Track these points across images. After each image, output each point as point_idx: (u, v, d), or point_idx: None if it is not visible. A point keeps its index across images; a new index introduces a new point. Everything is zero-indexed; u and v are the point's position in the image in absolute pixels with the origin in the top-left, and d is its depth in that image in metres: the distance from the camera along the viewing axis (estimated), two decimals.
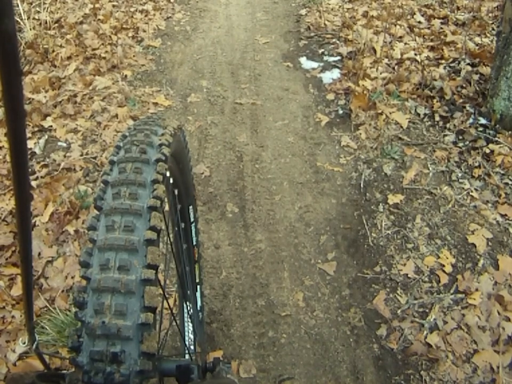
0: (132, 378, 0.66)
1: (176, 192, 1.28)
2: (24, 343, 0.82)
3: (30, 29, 3.55)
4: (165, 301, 1.00)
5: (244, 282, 2.11)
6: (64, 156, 2.68)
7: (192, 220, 1.56)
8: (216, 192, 2.47)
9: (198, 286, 1.73)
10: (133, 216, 0.75)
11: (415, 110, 2.95)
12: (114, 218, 0.75)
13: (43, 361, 0.87)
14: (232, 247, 2.23)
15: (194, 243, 1.61)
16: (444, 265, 2.18)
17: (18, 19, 3.57)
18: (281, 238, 2.27)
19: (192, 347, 1.65)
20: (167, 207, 1.25)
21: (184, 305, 1.63)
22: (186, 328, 1.64)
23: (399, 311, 2.02)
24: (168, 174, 0.94)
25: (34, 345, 0.78)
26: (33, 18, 3.70)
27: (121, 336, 0.67)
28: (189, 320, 1.64)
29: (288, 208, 2.40)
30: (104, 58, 3.50)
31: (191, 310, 1.68)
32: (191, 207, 1.53)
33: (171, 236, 1.16)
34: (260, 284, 2.10)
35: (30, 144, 2.77)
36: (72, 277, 2.09)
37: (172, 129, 0.96)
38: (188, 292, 1.63)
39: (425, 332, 1.96)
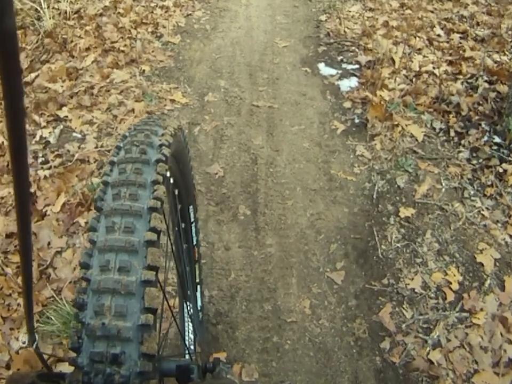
0: (131, 379, 0.66)
1: (176, 192, 1.29)
2: (24, 342, 0.82)
3: (50, 18, 3.56)
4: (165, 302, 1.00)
5: (252, 285, 2.11)
6: (79, 147, 2.69)
7: (192, 219, 1.57)
8: (229, 194, 2.48)
9: (198, 286, 1.74)
10: (133, 217, 0.75)
11: (431, 124, 2.95)
12: (115, 220, 0.75)
13: (43, 361, 0.88)
14: (242, 250, 2.24)
15: (194, 243, 1.62)
16: (451, 283, 2.18)
17: (38, 7, 3.59)
18: (291, 243, 2.27)
19: (192, 347, 1.66)
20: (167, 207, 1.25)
21: (184, 305, 1.63)
22: (186, 328, 1.65)
23: (403, 325, 2.02)
24: (168, 174, 0.94)
25: (34, 345, 0.78)
26: (53, 8, 3.70)
27: (121, 337, 0.67)
28: (189, 320, 1.65)
29: (300, 214, 2.40)
30: (123, 51, 3.50)
31: (191, 310, 1.68)
32: (191, 207, 1.53)
33: (171, 236, 1.17)
34: (268, 288, 2.11)
35: (44, 133, 2.79)
36: None
37: (172, 130, 0.96)
38: (188, 291, 1.64)
39: (428, 348, 1.97)
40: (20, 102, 0.45)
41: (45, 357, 0.88)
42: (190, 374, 0.85)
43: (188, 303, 1.65)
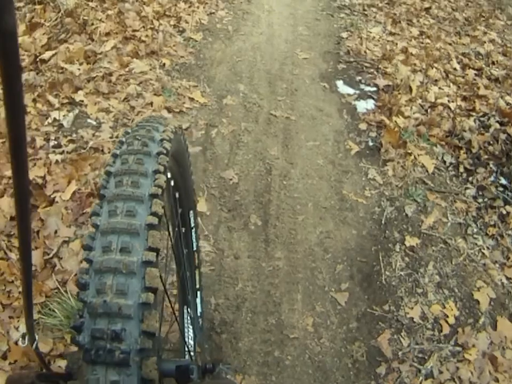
0: (132, 356, 0.67)
1: (177, 195, 1.29)
2: (24, 342, 0.82)
3: None
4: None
5: (258, 297, 2.13)
6: (93, 135, 2.65)
7: (192, 225, 1.57)
8: (242, 201, 2.49)
9: (198, 292, 1.74)
10: (135, 202, 0.77)
11: (442, 157, 3.01)
12: (117, 204, 0.77)
13: (43, 361, 0.88)
14: (251, 260, 2.25)
15: (194, 248, 1.63)
16: (447, 316, 2.23)
17: None
18: (299, 259, 2.30)
19: (192, 353, 1.64)
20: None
21: (184, 311, 1.63)
22: (186, 334, 1.65)
23: (400, 353, 2.06)
24: (169, 175, 0.96)
25: (34, 345, 0.79)
26: None
27: (122, 315, 0.68)
28: (189, 326, 1.65)
29: (310, 230, 2.43)
30: (144, 42, 3.48)
31: (191, 316, 1.68)
32: (191, 212, 1.54)
33: (171, 240, 1.17)
34: (273, 302, 2.13)
35: (58, 115, 2.73)
36: None
37: (172, 127, 0.99)
38: (188, 297, 1.64)
39: (420, 378, 2.01)
40: (20, 99, 0.45)
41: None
42: (190, 374, 0.85)
43: (188, 309, 1.65)
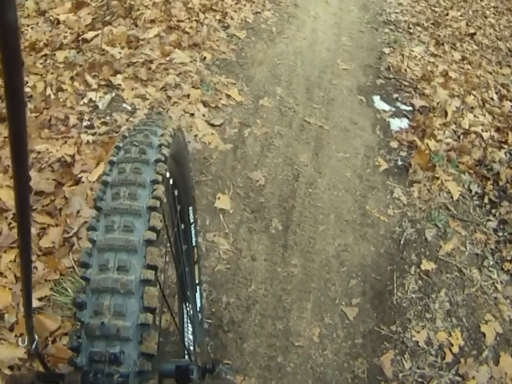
0: (131, 379, 0.66)
1: (176, 193, 1.30)
2: (24, 342, 0.84)
3: None
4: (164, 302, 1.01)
5: (269, 301, 2.17)
6: (127, 120, 2.67)
7: (191, 221, 1.58)
8: (266, 204, 2.53)
9: (198, 287, 1.76)
10: (133, 217, 0.75)
11: (469, 185, 3.00)
12: (114, 219, 0.75)
13: (42, 361, 0.88)
14: (267, 263, 2.29)
15: (193, 244, 1.64)
16: (452, 345, 2.24)
17: None
18: (315, 268, 2.33)
19: (191, 348, 1.67)
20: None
21: (184, 306, 1.64)
22: (186, 329, 1.66)
23: (400, 375, 2.08)
24: (168, 175, 0.94)
25: (33, 345, 0.80)
26: None
27: (121, 337, 0.67)
28: (189, 321, 1.66)
29: (329, 242, 2.46)
30: (188, 33, 3.51)
31: (191, 311, 1.70)
32: (190, 208, 1.55)
33: (171, 236, 1.19)
34: (283, 308, 2.16)
35: (94, 97, 2.75)
36: None
37: (171, 130, 0.97)
38: (188, 293, 1.64)
39: None
40: (21, 95, 0.45)
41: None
42: (190, 374, 0.86)
43: (188, 304, 1.66)
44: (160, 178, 0.82)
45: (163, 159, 0.85)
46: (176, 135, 1.03)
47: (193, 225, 1.60)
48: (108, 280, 0.69)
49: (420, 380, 2.10)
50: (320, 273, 2.32)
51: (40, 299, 1.86)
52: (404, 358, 2.15)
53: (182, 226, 1.49)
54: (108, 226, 0.74)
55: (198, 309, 1.78)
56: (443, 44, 4.47)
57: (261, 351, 2.01)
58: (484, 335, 2.32)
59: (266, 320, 2.11)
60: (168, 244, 1.17)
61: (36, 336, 0.80)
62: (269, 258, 2.31)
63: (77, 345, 0.68)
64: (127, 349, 0.67)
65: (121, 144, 0.89)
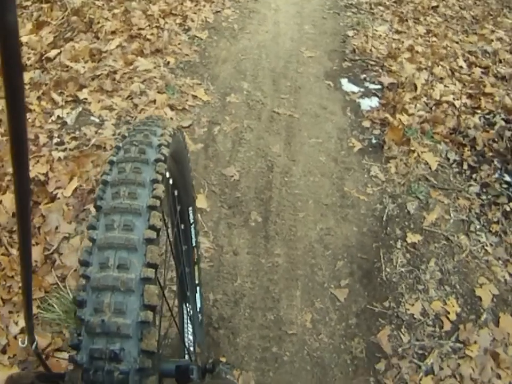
0: (131, 376, 0.66)
1: (175, 193, 1.29)
2: (23, 343, 0.83)
3: None
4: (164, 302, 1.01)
5: (257, 293, 2.14)
6: (96, 132, 2.68)
7: (191, 221, 1.58)
8: (242, 198, 2.50)
9: (198, 288, 1.74)
10: (132, 215, 0.75)
11: (446, 154, 2.99)
12: (114, 218, 0.75)
13: (42, 361, 0.88)
14: (250, 256, 2.26)
15: (193, 244, 1.63)
16: (449, 312, 2.22)
17: None
18: (299, 255, 2.30)
19: (191, 349, 1.66)
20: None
21: (184, 306, 1.64)
22: (185, 330, 1.65)
23: (400, 349, 2.06)
24: (167, 175, 0.95)
25: (33, 346, 0.79)
26: None
27: (121, 334, 0.67)
28: (189, 321, 1.66)
29: (310, 227, 2.43)
30: (149, 40, 3.51)
31: (191, 311, 1.69)
32: (190, 208, 1.54)
33: (171, 237, 1.18)
34: (272, 298, 2.13)
35: (62, 113, 2.77)
36: None
37: (171, 130, 0.97)
38: (188, 293, 1.64)
39: (420, 374, 2.00)
40: (21, 97, 0.45)
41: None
42: (190, 374, 0.85)
43: (187, 305, 1.65)
44: (160, 177, 0.82)
45: (163, 158, 0.85)
46: (175, 134, 1.02)
47: (193, 225, 1.59)
48: (108, 278, 0.70)
49: (420, 351, 2.07)
50: (305, 259, 2.29)
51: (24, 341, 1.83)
52: (401, 332, 2.13)
53: (182, 226, 1.48)
54: (108, 225, 0.74)
55: (198, 310, 1.76)
56: (407, 20, 4.47)
57: (255, 343, 1.99)
58: (480, 298, 2.29)
59: (256, 312, 2.08)
60: (169, 244, 1.17)
61: (36, 337, 0.79)
62: (252, 251, 2.28)
63: (77, 343, 0.68)
64: (127, 346, 0.67)
65: (121, 144, 0.89)
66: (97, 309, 0.68)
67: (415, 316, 2.17)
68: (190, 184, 1.49)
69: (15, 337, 1.82)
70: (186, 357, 1.57)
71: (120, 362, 0.66)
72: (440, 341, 2.11)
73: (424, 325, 2.16)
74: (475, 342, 2.13)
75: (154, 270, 0.72)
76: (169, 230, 1.14)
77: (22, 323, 1.84)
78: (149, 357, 0.68)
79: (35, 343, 0.79)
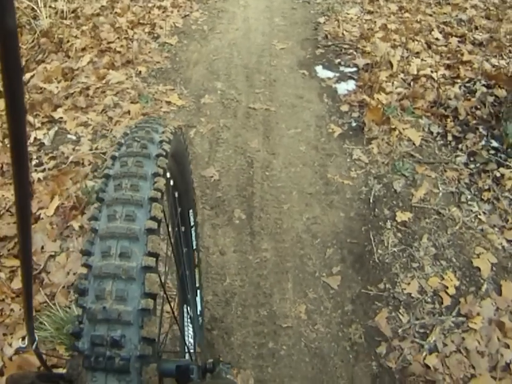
0: (132, 362, 0.66)
1: (176, 195, 1.28)
2: (24, 342, 0.83)
3: (46, 17, 3.55)
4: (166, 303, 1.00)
5: (247, 290, 2.10)
6: (73, 149, 2.67)
7: (192, 224, 1.57)
8: (224, 197, 2.46)
9: (198, 291, 1.73)
10: (134, 206, 0.76)
11: (429, 128, 2.94)
12: (116, 208, 0.76)
13: (42, 361, 0.88)
14: (237, 254, 2.22)
15: (194, 247, 1.62)
16: (447, 287, 2.17)
17: (34, 6, 3.56)
18: (287, 248, 2.26)
19: (192, 348, 1.64)
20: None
21: (184, 309, 1.62)
22: (186, 333, 1.63)
23: (400, 330, 2.01)
24: (168, 175, 0.95)
25: (34, 345, 0.78)
26: (50, 7, 3.68)
27: (122, 321, 0.67)
28: (189, 324, 1.64)
29: (296, 218, 2.39)
30: (119, 52, 3.49)
31: (191, 314, 1.67)
32: (191, 211, 1.53)
33: (171, 239, 1.17)
34: (263, 294, 2.09)
35: (39, 135, 2.77)
36: (74, 273, 2.07)
37: (172, 128, 0.98)
38: (188, 296, 1.63)
39: (424, 353, 1.95)
40: (21, 100, 0.45)
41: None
42: (190, 374, 0.85)
43: (188, 308, 1.64)
44: (161, 171, 0.83)
45: (164, 153, 0.86)
46: (176, 133, 1.03)
47: (193, 228, 1.58)
48: (110, 266, 0.70)
49: (421, 330, 2.02)
50: (294, 251, 2.25)
51: (23, 338, 1.84)
52: (400, 313, 2.08)
53: (183, 228, 1.48)
54: (110, 216, 0.75)
55: (198, 313, 1.75)
56: (377, 0, 4.42)
57: (250, 341, 1.95)
58: (479, 269, 2.24)
59: (248, 309, 2.04)
60: (170, 246, 1.16)
61: (36, 336, 0.79)
62: (238, 249, 2.24)
63: (79, 330, 0.68)
64: (128, 333, 0.67)
65: (122, 141, 0.90)
66: (99, 296, 0.69)
67: (412, 295, 2.12)
68: (191, 186, 1.49)
69: (11, 359, 1.81)
70: (187, 356, 1.55)
71: (121, 348, 0.66)
72: (441, 317, 2.06)
73: (422, 303, 2.11)
74: (478, 314, 2.08)
75: (155, 259, 0.73)
76: (170, 232, 1.13)
77: (16, 344, 1.84)
78: (150, 344, 0.68)
79: (35, 343, 0.79)
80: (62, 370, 1.50)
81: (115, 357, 0.66)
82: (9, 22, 0.39)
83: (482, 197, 2.57)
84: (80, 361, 0.67)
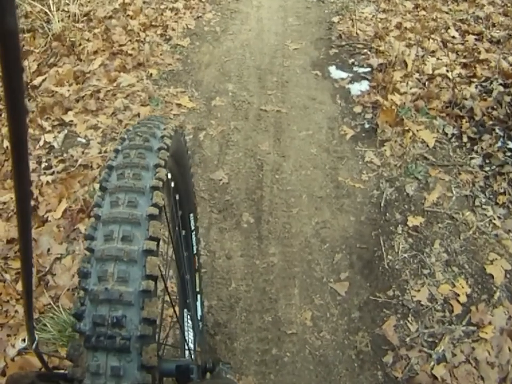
0: (132, 342, 0.67)
1: (177, 197, 1.29)
2: (24, 342, 0.84)
3: (58, 21, 3.57)
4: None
5: (253, 295, 2.08)
6: (82, 152, 2.69)
7: (192, 228, 1.57)
8: (233, 201, 2.45)
9: (198, 295, 1.73)
10: (136, 194, 0.78)
11: (443, 129, 2.87)
12: (119, 195, 0.78)
13: (43, 361, 0.89)
14: (244, 259, 2.21)
15: (194, 252, 1.62)
16: (458, 295, 2.12)
17: (47, 10, 3.59)
18: (295, 253, 2.23)
19: (192, 347, 1.65)
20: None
21: (184, 314, 1.62)
22: (186, 338, 1.63)
23: (407, 339, 1.97)
24: (169, 176, 0.97)
25: (34, 345, 0.81)
26: (62, 10, 3.70)
27: (123, 301, 0.68)
28: (190, 329, 1.64)
29: (305, 222, 2.36)
30: (131, 55, 3.49)
31: (191, 319, 1.67)
32: (191, 214, 1.54)
33: (172, 243, 1.19)
34: (269, 299, 2.07)
35: (48, 138, 2.79)
36: None
37: (173, 125, 1.01)
38: (188, 300, 1.63)
39: (432, 363, 1.91)
40: (22, 101, 0.45)
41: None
42: (190, 374, 0.85)
43: (189, 312, 1.64)
44: (162, 162, 0.85)
45: (165, 147, 0.89)
46: (177, 132, 1.06)
47: (194, 232, 1.59)
48: (112, 249, 0.72)
49: (430, 339, 1.98)
50: (301, 256, 2.22)
51: (24, 340, 1.85)
52: (408, 321, 2.04)
53: (183, 232, 1.49)
54: (113, 202, 0.77)
55: (199, 318, 1.75)
56: None
57: (253, 346, 1.93)
58: (492, 276, 2.19)
59: (253, 315, 2.02)
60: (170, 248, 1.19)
61: (37, 337, 0.81)
62: (245, 253, 2.23)
63: (81, 312, 0.69)
64: (129, 314, 0.68)
65: (125, 136, 0.93)
66: (101, 277, 0.70)
67: (422, 303, 2.08)
68: (192, 189, 1.50)
69: (13, 360, 1.83)
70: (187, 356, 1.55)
71: (122, 328, 0.67)
72: (451, 326, 2.02)
73: (432, 311, 2.06)
74: (489, 323, 2.03)
75: (156, 243, 0.74)
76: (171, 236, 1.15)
77: (18, 345, 1.84)
78: (150, 324, 0.69)
79: (35, 342, 0.81)
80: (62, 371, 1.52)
81: (116, 336, 0.67)
82: (10, 22, 0.39)
83: (498, 200, 2.50)
84: (81, 342, 0.68)
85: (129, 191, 0.78)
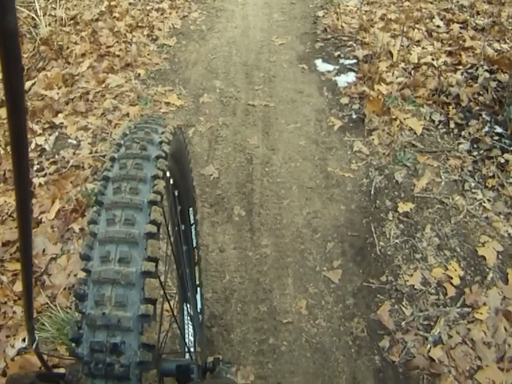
0: (131, 369, 0.65)
1: (176, 193, 1.28)
2: (24, 342, 0.84)
3: (46, 26, 3.57)
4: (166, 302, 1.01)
5: (247, 287, 2.09)
6: (74, 153, 2.70)
7: (192, 222, 1.56)
8: (224, 195, 2.46)
9: (198, 288, 1.73)
10: (134, 210, 0.75)
11: (430, 116, 2.90)
12: (115, 212, 0.75)
13: (42, 361, 0.88)
14: (237, 251, 2.22)
15: (194, 245, 1.61)
16: (451, 278, 2.13)
17: (34, 15, 3.60)
18: (287, 243, 2.24)
19: (192, 349, 1.64)
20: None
21: (184, 307, 1.62)
22: (186, 331, 1.64)
23: (403, 323, 1.98)
24: (168, 174, 0.94)
25: (34, 345, 0.80)
26: (49, 15, 3.71)
27: (121, 327, 0.67)
28: (189, 322, 1.64)
29: (296, 213, 2.37)
30: (118, 56, 3.50)
31: (191, 312, 1.67)
32: (191, 209, 1.53)
33: (171, 237, 1.17)
34: (263, 290, 2.08)
35: (40, 140, 2.80)
36: (75, 275, 2.09)
37: (172, 128, 0.97)
38: (188, 294, 1.63)
39: (428, 346, 1.92)
40: (22, 101, 0.45)
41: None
42: (190, 373, 0.85)
43: (188, 305, 1.64)
44: (161, 173, 0.82)
45: (164, 155, 0.85)
46: (176, 133, 1.02)
47: (193, 226, 1.58)
48: (109, 271, 0.70)
49: (425, 322, 1.99)
50: (294, 246, 2.24)
51: (23, 340, 1.85)
52: (403, 305, 2.05)
53: (183, 227, 1.48)
54: (109, 220, 0.75)
55: (198, 310, 1.75)
56: None
57: (250, 337, 1.94)
58: (484, 258, 2.20)
59: (248, 306, 2.03)
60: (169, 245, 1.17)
61: (36, 336, 0.80)
62: (238, 245, 2.24)
63: (78, 336, 0.68)
64: (128, 339, 0.67)
65: (122, 141, 0.89)
66: (98, 301, 0.68)
67: (415, 287, 2.09)
68: (191, 184, 1.49)
69: (13, 360, 1.83)
70: (187, 356, 1.56)
71: (121, 355, 0.66)
72: (446, 308, 2.03)
73: (426, 295, 2.08)
74: (484, 304, 2.04)
75: (155, 264, 0.72)
76: (170, 231, 1.14)
77: (18, 345, 1.87)
78: (149, 350, 0.68)
79: (35, 342, 0.80)
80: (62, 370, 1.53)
81: (115, 363, 0.65)
82: (11, 22, 0.39)
83: (487, 184, 2.52)
84: (79, 367, 0.66)
85: (126, 207, 0.76)
